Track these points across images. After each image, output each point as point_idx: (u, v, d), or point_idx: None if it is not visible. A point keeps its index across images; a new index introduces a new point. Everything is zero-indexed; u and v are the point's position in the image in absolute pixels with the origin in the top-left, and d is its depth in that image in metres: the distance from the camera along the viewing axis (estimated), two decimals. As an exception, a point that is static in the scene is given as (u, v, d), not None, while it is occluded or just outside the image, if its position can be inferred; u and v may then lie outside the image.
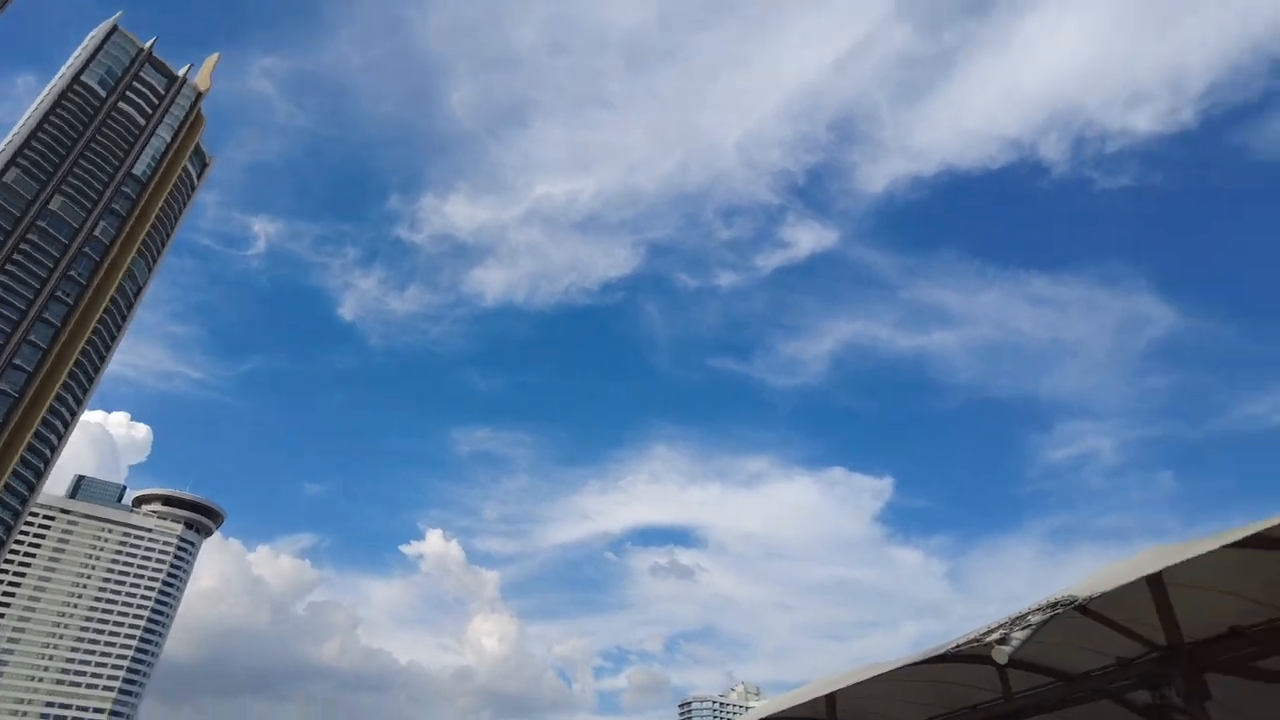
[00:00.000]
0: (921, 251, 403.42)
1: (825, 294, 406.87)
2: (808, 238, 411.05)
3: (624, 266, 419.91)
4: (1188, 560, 8.03)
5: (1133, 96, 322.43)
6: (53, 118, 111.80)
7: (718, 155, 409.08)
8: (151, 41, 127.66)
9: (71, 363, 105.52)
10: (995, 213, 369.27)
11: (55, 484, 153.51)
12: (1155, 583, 8.88)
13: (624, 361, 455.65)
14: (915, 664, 10.37)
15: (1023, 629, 8.05)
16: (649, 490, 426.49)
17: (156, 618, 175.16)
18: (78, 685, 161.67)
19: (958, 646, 9.13)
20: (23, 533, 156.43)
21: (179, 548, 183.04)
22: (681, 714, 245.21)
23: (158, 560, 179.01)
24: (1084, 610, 8.81)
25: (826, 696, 13.10)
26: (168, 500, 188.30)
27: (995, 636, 8.23)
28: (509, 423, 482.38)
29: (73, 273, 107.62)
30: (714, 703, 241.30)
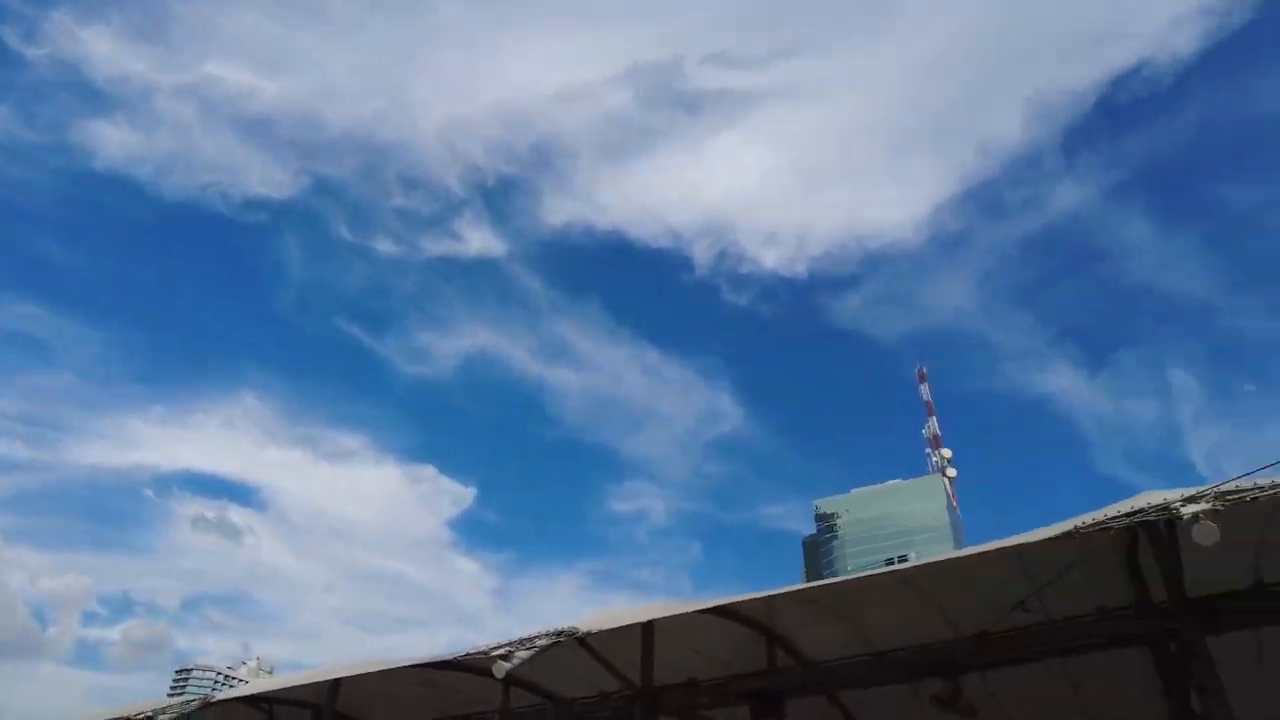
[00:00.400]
0: (572, 294, 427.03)
1: (477, 299, 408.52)
2: (479, 240, 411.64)
3: (280, 189, 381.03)
4: (673, 616, 9.44)
5: (769, 237, 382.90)
6: None
7: (419, 123, 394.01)
8: None
9: None
10: (641, 285, 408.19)
11: None
12: (646, 630, 10.22)
13: (242, 289, 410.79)
14: (420, 665, 10.65)
15: (527, 650, 8.74)
16: (221, 435, 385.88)
17: None
18: None
19: (466, 655, 9.61)
20: None
21: None
22: (176, 681, 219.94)
23: None
24: (583, 642, 9.82)
25: (331, 682, 12.84)
26: None
27: (500, 652, 8.81)
28: (73, 309, 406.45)
29: None
30: (218, 674, 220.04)
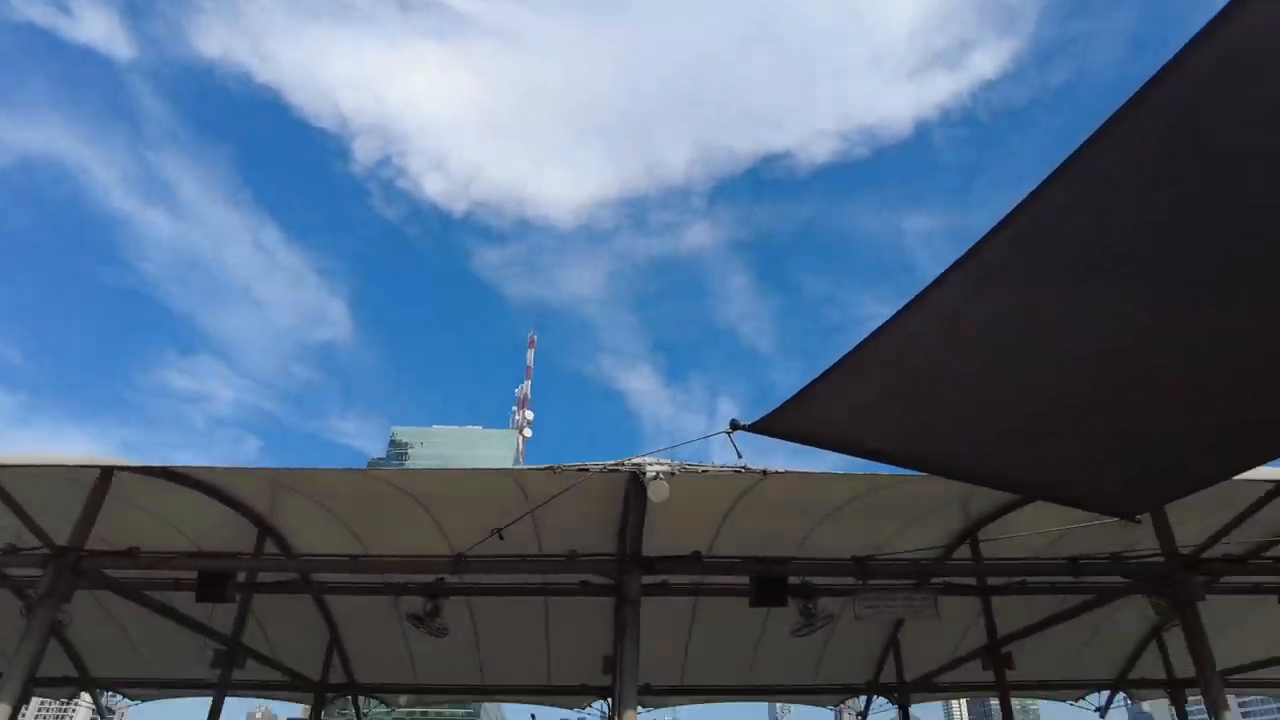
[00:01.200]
0: (201, 134, 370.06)
1: (73, 93, 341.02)
2: (99, 29, 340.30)
3: None
4: (130, 470, 8.10)
5: (438, 164, 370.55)
6: None
7: None
8: None
9: None
10: (284, 157, 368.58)
11: None
12: (98, 485, 8.62)
13: None
14: None
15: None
16: None
17: None
18: None
19: None
20: None
21: None
22: None
23: None
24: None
25: None
26: None
27: None
28: None
29: None
30: None
